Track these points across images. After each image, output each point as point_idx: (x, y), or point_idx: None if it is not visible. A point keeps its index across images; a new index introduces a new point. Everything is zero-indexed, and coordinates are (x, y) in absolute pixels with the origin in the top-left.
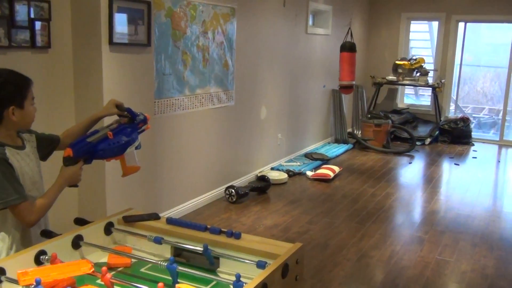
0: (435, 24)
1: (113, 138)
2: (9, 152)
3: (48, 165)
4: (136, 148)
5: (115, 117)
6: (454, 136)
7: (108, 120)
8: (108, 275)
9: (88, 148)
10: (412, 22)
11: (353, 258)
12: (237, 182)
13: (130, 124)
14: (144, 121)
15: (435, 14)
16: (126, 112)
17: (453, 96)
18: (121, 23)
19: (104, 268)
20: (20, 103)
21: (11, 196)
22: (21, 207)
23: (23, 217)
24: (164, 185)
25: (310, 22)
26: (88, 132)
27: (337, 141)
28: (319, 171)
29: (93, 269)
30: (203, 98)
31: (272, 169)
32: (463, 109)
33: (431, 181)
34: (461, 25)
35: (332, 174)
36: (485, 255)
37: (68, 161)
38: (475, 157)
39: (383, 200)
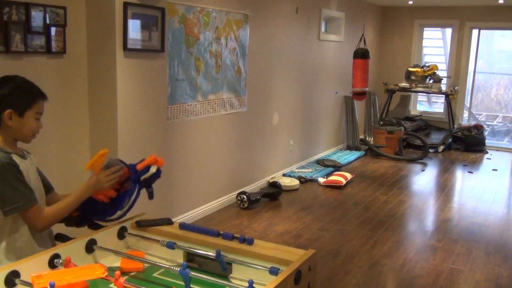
0: (449, 31)
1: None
2: (15, 158)
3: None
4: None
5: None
6: (468, 144)
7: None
8: (122, 280)
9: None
10: (425, 29)
11: (365, 266)
12: (248, 188)
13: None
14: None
15: (449, 21)
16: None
17: (467, 104)
18: (135, 29)
19: (118, 273)
20: (21, 110)
21: (23, 200)
22: (32, 211)
23: (33, 221)
24: (176, 190)
25: (323, 29)
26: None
27: (349, 147)
28: (331, 177)
29: (106, 273)
30: (215, 104)
31: (284, 175)
32: (477, 116)
33: (444, 189)
34: (474, 32)
35: (344, 181)
36: (499, 264)
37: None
38: (496, 169)
39: (395, 207)
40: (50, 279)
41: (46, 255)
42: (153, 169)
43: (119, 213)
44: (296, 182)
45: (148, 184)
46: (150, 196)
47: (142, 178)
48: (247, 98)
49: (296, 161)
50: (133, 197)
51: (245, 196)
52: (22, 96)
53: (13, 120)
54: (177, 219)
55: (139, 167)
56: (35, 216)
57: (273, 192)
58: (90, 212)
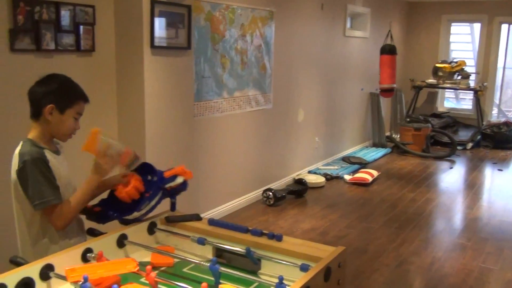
0: (477, 26)
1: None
2: (47, 154)
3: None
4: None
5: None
6: (497, 141)
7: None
8: (153, 274)
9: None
10: (452, 24)
11: (393, 264)
12: (274, 185)
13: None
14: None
15: (477, 16)
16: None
17: (496, 100)
18: (162, 27)
19: (149, 267)
20: (62, 107)
21: (49, 196)
22: (56, 209)
23: (53, 220)
24: (203, 187)
25: (348, 25)
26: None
27: (375, 145)
28: (357, 175)
29: (138, 267)
30: (241, 100)
31: (309, 172)
32: (506, 113)
33: (473, 187)
34: (504, 27)
35: (370, 178)
36: None
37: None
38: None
39: (423, 205)
40: (83, 272)
41: (79, 249)
42: (179, 179)
43: (135, 214)
44: (321, 179)
45: (172, 194)
46: (172, 207)
47: (167, 186)
48: (273, 95)
49: (321, 158)
50: (153, 202)
51: (271, 193)
52: (65, 93)
53: (53, 116)
54: (204, 215)
55: (166, 174)
56: (56, 215)
57: (299, 189)
58: (111, 209)
